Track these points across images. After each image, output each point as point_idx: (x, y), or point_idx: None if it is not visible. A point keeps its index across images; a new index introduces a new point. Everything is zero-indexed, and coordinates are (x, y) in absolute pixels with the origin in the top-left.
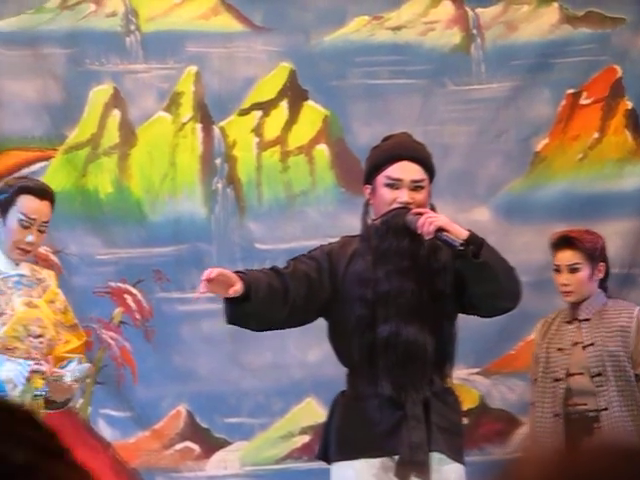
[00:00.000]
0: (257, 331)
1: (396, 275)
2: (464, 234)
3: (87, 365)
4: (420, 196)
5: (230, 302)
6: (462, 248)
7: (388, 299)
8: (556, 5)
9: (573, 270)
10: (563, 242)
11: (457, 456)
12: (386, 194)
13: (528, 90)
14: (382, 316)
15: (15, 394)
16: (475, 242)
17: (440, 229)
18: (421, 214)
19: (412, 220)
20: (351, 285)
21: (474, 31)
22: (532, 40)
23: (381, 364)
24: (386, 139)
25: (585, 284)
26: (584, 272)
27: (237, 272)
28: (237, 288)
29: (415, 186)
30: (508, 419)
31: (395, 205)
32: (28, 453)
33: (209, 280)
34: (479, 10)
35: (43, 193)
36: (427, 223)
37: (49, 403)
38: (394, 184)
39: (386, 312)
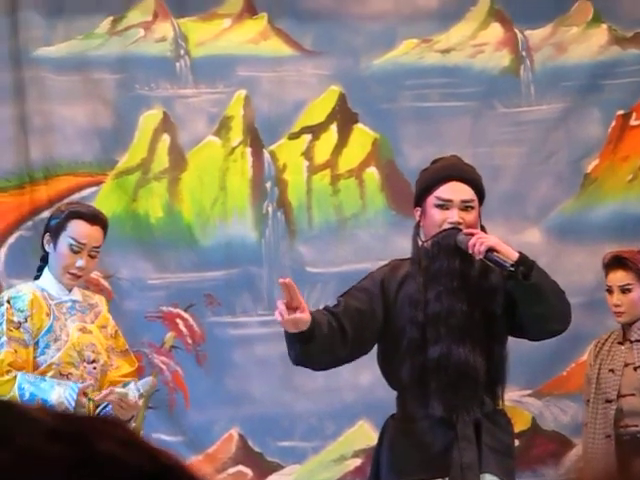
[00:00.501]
0: (320, 370)
1: (447, 295)
2: (515, 255)
3: (150, 378)
4: (470, 216)
5: (296, 342)
6: (512, 269)
7: (439, 320)
8: (605, 26)
9: (625, 291)
10: (615, 262)
11: (508, 477)
12: (436, 215)
13: (578, 111)
14: (433, 337)
15: None
16: (526, 263)
17: (491, 249)
18: (472, 234)
19: (463, 240)
20: (402, 308)
21: (523, 53)
22: (581, 61)
23: (432, 385)
24: (435, 162)
25: (637, 304)
26: (636, 293)
27: None
28: (305, 317)
29: (465, 206)
30: (560, 441)
31: (446, 226)
32: (154, 461)
33: (285, 285)
34: (528, 32)
35: (94, 218)
36: (478, 243)
37: None
38: (444, 204)
39: (437, 333)
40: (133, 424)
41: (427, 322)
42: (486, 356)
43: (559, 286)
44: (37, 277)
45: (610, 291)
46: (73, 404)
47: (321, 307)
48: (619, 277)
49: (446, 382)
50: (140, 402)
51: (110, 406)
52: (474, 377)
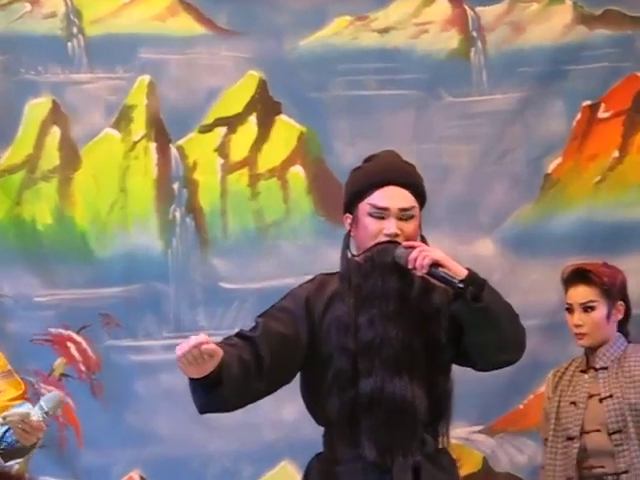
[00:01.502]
0: (233, 411)
1: (381, 321)
2: (463, 272)
3: (56, 393)
4: (410, 227)
5: (200, 389)
6: (461, 286)
7: (371, 349)
8: (569, 3)
9: (587, 309)
10: (576, 277)
11: None
12: (370, 225)
13: (538, 102)
14: (365, 369)
15: None
16: (475, 282)
17: (435, 264)
18: (413, 247)
19: (402, 254)
20: (329, 332)
21: (474, 34)
22: (542, 44)
23: (363, 424)
24: (368, 159)
25: (601, 326)
26: (600, 311)
27: None
28: (215, 360)
29: (404, 215)
30: None
31: (381, 238)
32: None
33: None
34: (480, 9)
35: None
36: (420, 257)
37: (9, 455)
38: (379, 213)
39: (369, 364)
40: (16, 465)
41: (358, 351)
42: (427, 389)
43: (513, 309)
44: None
45: (570, 310)
46: None
47: (236, 330)
48: (580, 293)
49: (380, 420)
50: (44, 424)
51: (11, 430)
52: (412, 414)
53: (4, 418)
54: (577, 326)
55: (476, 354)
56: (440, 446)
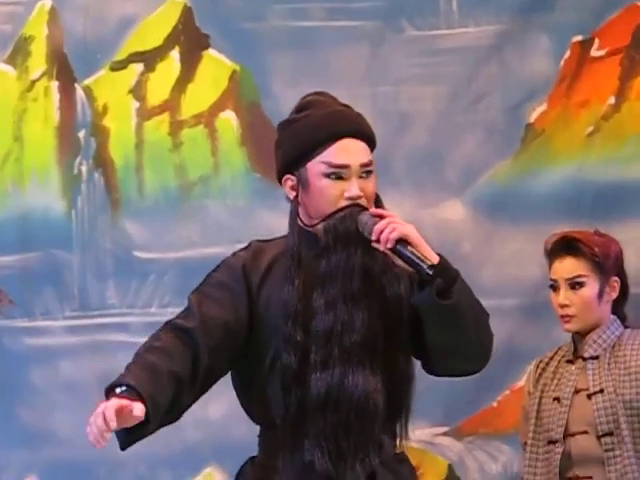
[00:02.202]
0: None
1: (344, 302)
2: (434, 259)
3: None
4: (370, 185)
5: (122, 432)
6: (430, 272)
7: (330, 338)
8: None
9: (575, 285)
10: (562, 248)
11: None
12: (328, 188)
13: (518, 37)
14: (319, 362)
15: None
16: (446, 275)
17: (404, 240)
18: (382, 216)
19: (367, 222)
20: (267, 315)
21: None
22: None
23: (313, 426)
24: (302, 109)
25: (592, 306)
26: (590, 289)
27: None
28: (139, 412)
29: (365, 171)
30: None
31: (343, 202)
32: None
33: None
34: None
35: None
36: (389, 228)
37: None
38: (339, 173)
39: (326, 356)
40: None
41: (311, 342)
42: (388, 383)
43: (484, 311)
44: None
45: (555, 287)
46: None
47: (153, 309)
48: (567, 267)
49: (334, 422)
50: None
51: None
52: (373, 412)
53: None
54: (563, 306)
55: (434, 358)
56: (398, 450)
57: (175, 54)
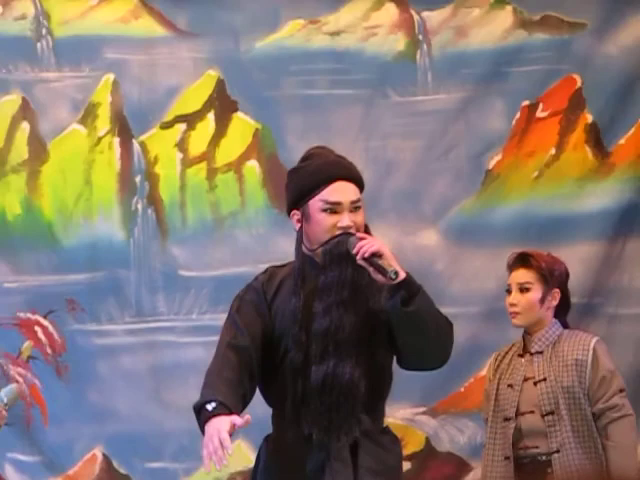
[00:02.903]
0: None
1: (337, 308)
2: (401, 275)
3: (14, 386)
4: (359, 217)
5: None
6: (394, 277)
7: (326, 336)
8: (510, 8)
9: (523, 289)
10: (518, 260)
11: None
12: (324, 220)
13: (480, 102)
14: (318, 355)
15: None
16: (409, 287)
17: (378, 254)
18: (365, 239)
19: (353, 242)
20: (278, 321)
21: (420, 37)
22: (484, 47)
23: (312, 406)
24: (306, 158)
25: (534, 307)
26: (534, 293)
27: (213, 401)
28: (241, 422)
29: (354, 207)
30: (457, 463)
31: (336, 231)
32: None
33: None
34: (425, 14)
35: None
36: (368, 244)
37: None
38: (333, 208)
39: (323, 351)
40: None
41: (311, 339)
42: (368, 371)
43: (446, 320)
44: None
45: (509, 291)
46: None
47: (194, 316)
48: (519, 275)
49: (327, 403)
50: (4, 412)
51: None
52: (356, 396)
53: None
54: (511, 305)
55: (402, 355)
56: (383, 425)
57: (211, 116)
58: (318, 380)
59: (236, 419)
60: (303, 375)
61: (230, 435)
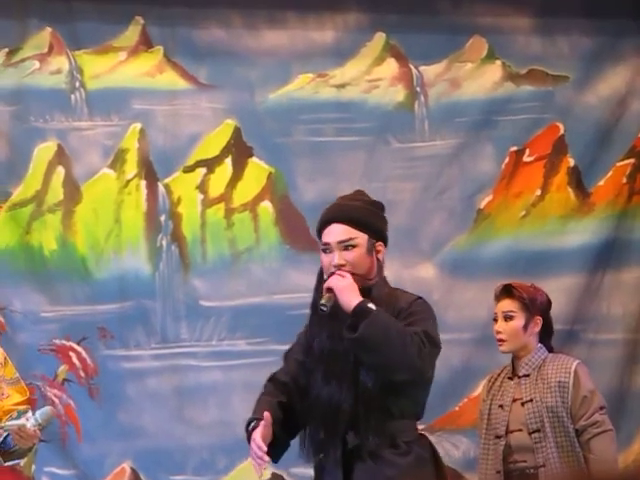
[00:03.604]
0: None
1: (328, 338)
2: (352, 304)
3: (48, 408)
4: (352, 255)
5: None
6: (323, 310)
7: (322, 362)
8: (499, 63)
9: (507, 318)
10: (503, 292)
11: None
12: (323, 259)
13: (472, 147)
14: (314, 379)
15: None
16: (360, 315)
17: (329, 290)
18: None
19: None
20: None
21: (418, 89)
22: (475, 97)
23: (308, 427)
24: None
25: (518, 334)
26: (517, 321)
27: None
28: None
29: (345, 246)
30: (453, 476)
31: (331, 269)
32: None
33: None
34: (423, 68)
35: None
36: (329, 279)
37: (8, 455)
38: (326, 248)
39: (319, 374)
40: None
41: (313, 366)
42: (354, 394)
43: (403, 338)
44: None
45: (495, 319)
46: None
47: (214, 342)
48: (504, 304)
49: (317, 422)
50: (39, 432)
51: (10, 436)
52: (342, 415)
53: (2, 428)
54: (497, 332)
55: (373, 371)
56: (402, 440)
57: (229, 161)
58: (311, 402)
59: (261, 422)
60: (304, 399)
61: (268, 437)
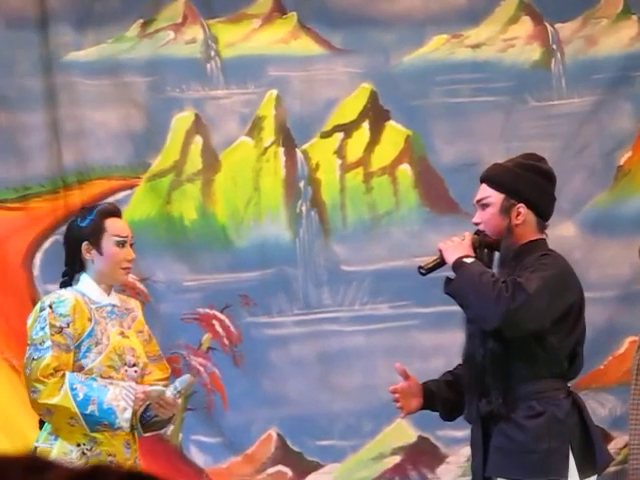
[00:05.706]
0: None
1: None
2: (451, 259)
3: (187, 376)
4: (485, 215)
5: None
6: (422, 272)
7: (466, 320)
8: (635, 18)
9: None
10: None
11: (527, 476)
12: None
13: (609, 104)
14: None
15: (125, 416)
16: (456, 269)
17: (439, 249)
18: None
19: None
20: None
21: (554, 46)
22: (612, 54)
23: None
24: None
25: None
26: None
27: None
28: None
29: (482, 205)
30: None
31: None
32: None
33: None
34: (558, 25)
35: (118, 212)
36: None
37: (150, 426)
38: (476, 206)
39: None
40: (172, 426)
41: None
42: (491, 352)
43: (487, 285)
44: (64, 283)
45: None
46: (131, 404)
47: (356, 306)
48: None
49: (464, 380)
50: (179, 400)
51: (150, 407)
52: (481, 373)
53: (144, 393)
54: None
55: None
56: (529, 402)
57: (366, 125)
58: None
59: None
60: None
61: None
